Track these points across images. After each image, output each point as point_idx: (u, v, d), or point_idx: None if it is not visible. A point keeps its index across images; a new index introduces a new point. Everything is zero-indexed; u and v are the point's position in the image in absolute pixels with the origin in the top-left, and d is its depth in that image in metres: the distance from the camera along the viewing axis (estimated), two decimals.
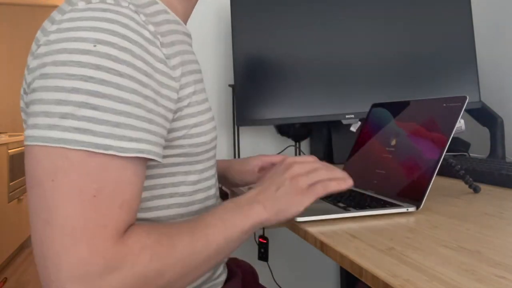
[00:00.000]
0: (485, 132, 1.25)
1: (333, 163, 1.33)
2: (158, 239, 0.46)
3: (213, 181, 0.64)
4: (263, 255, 1.33)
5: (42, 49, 0.47)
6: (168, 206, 0.58)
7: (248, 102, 1.24)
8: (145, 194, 0.56)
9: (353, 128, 1.24)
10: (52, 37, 0.47)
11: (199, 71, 0.61)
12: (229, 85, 1.36)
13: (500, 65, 1.32)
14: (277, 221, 0.56)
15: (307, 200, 0.56)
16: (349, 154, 0.89)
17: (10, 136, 3.48)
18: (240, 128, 1.44)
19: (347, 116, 1.24)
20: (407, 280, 0.39)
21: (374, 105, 0.89)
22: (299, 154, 1.33)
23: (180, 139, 0.55)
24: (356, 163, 0.86)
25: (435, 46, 1.26)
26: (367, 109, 1.23)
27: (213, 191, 0.65)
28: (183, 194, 0.58)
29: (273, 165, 0.87)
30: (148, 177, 0.55)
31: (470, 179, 0.78)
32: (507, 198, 0.73)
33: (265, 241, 1.32)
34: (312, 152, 1.49)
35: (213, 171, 0.64)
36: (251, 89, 1.24)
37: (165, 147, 0.54)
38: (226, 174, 0.85)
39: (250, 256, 1.42)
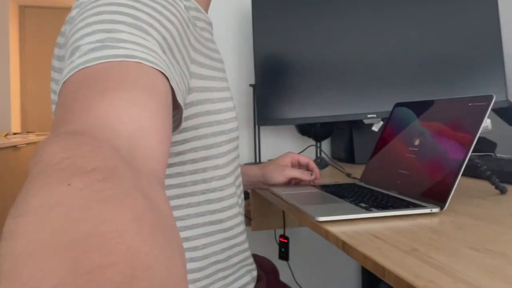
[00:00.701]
0: None
1: (354, 163, 1.32)
2: None
3: (236, 176, 0.64)
4: (284, 255, 1.33)
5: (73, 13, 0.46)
6: (198, 204, 0.58)
7: (269, 102, 1.24)
8: (175, 192, 0.56)
9: (375, 128, 1.23)
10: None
11: (220, 61, 0.61)
12: (250, 85, 1.36)
13: None
14: None
15: None
16: (371, 154, 0.88)
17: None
18: (261, 127, 1.44)
19: (368, 116, 1.23)
20: (431, 281, 0.39)
21: (398, 105, 0.87)
22: (320, 154, 1.33)
23: (197, 117, 0.54)
24: (378, 163, 0.85)
25: (460, 44, 1.24)
26: (389, 109, 1.21)
27: (240, 189, 0.65)
28: (214, 190, 0.58)
29: (299, 164, 0.89)
30: (179, 174, 0.56)
31: (496, 179, 0.76)
32: None
33: (286, 241, 1.32)
34: (333, 152, 1.48)
35: (236, 164, 0.64)
36: (272, 88, 1.24)
37: (189, 140, 0.55)
38: (265, 174, 0.86)
39: (270, 256, 1.42)
